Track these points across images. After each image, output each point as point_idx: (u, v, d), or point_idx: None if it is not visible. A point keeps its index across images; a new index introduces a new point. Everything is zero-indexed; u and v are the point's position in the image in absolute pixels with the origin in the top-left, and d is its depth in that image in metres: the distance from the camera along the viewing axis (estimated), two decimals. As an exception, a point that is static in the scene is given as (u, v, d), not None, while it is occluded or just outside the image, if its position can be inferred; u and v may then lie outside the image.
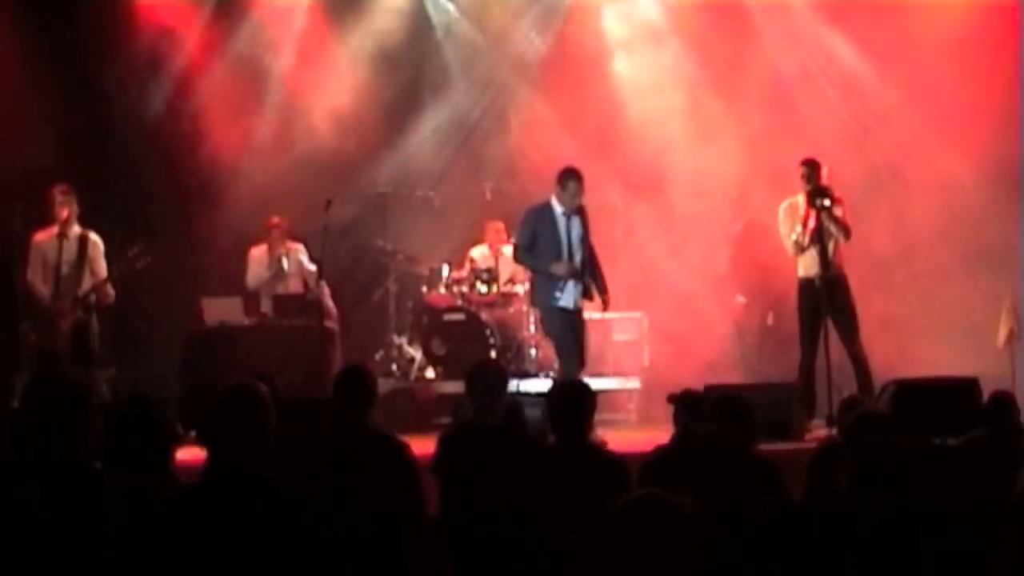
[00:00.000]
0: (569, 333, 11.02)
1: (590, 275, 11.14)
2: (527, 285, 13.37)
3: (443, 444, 7.44)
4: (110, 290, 11.96)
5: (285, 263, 13.30)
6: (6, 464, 5.61)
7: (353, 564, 5.03)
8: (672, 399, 7.36)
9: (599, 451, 6.96)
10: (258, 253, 13.49)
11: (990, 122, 12.88)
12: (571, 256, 11.01)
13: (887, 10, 13.36)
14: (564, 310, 11.01)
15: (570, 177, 11.02)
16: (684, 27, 13.86)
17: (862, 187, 12.77)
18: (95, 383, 10.69)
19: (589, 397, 6.85)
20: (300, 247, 13.33)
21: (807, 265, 11.42)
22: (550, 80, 14.11)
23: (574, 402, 6.71)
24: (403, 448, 6.94)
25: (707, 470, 5.48)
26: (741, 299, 13.62)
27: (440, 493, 7.24)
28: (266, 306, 13.27)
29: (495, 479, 6.75)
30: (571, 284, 11.00)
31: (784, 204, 11.60)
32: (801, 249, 11.38)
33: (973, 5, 13.31)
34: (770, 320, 13.16)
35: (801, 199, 11.41)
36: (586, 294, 11.12)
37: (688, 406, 7.28)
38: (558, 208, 11.05)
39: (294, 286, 13.27)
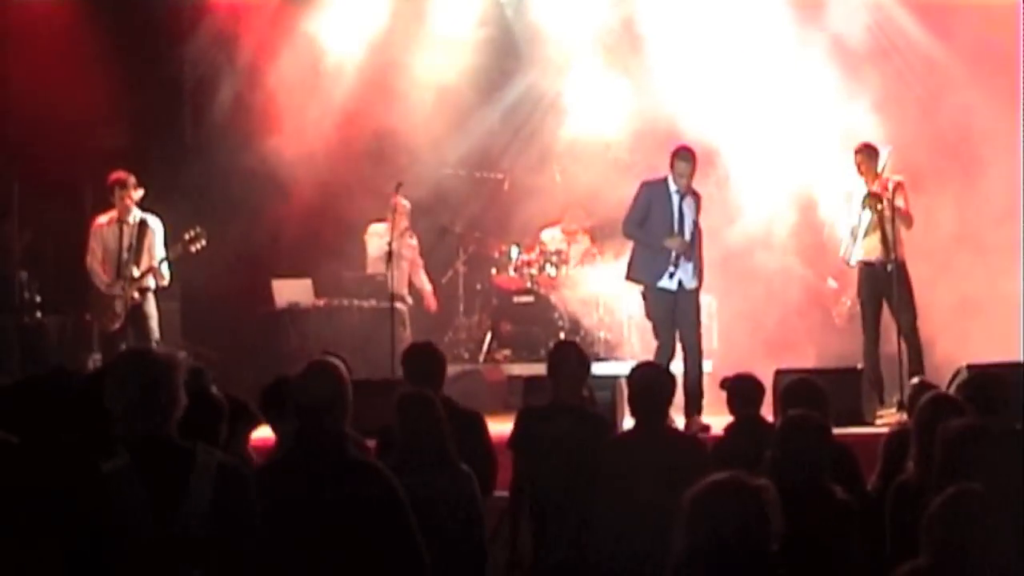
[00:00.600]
0: (670, 317, 10.87)
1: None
2: (596, 268, 13.38)
3: (521, 420, 7.45)
4: (164, 271, 12.04)
5: (410, 241, 13.38)
6: (93, 439, 5.72)
7: (429, 536, 5.08)
8: (724, 384, 7.34)
9: (677, 434, 6.99)
10: (379, 229, 13.51)
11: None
12: (681, 235, 10.90)
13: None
14: (669, 292, 10.85)
15: (678, 157, 10.89)
16: (750, 4, 13.76)
17: (929, 162, 12.65)
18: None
19: (670, 382, 6.87)
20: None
21: (868, 249, 11.38)
22: (619, 60, 14.07)
23: (656, 386, 6.73)
24: (477, 419, 7.06)
25: (787, 454, 5.48)
26: (833, 283, 13.57)
27: (515, 468, 7.27)
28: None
29: (573, 457, 6.79)
30: (686, 263, 10.88)
31: (844, 192, 11.56)
32: (862, 237, 11.36)
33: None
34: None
35: (860, 186, 11.35)
36: (696, 274, 10.97)
37: (741, 392, 7.25)
38: (672, 186, 10.96)
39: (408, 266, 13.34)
